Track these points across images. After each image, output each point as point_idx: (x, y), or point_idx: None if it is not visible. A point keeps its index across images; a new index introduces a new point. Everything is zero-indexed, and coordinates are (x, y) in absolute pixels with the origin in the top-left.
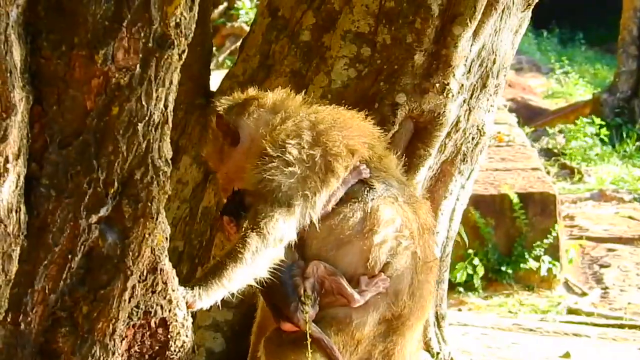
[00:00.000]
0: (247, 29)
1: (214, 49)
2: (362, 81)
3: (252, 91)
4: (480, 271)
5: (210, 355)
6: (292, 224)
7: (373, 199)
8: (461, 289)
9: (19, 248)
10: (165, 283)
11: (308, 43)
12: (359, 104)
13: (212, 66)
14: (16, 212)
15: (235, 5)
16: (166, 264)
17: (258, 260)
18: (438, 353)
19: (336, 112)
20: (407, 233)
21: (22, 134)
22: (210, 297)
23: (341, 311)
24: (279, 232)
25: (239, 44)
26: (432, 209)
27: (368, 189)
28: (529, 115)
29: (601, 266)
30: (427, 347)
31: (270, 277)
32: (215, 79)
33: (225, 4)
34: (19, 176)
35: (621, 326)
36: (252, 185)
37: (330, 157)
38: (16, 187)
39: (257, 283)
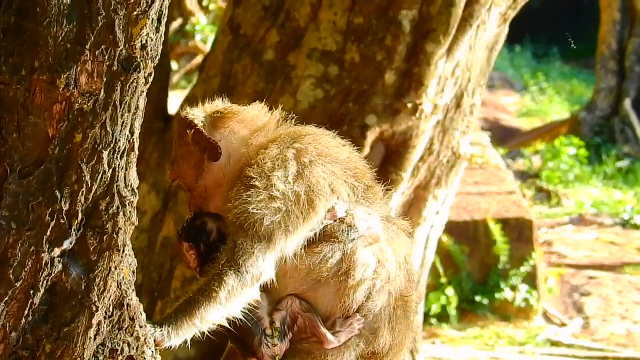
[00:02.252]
0: (203, 47)
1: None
2: (330, 102)
3: (221, 104)
4: (454, 301)
5: None
6: (271, 262)
7: (353, 239)
8: (434, 321)
9: None
10: (132, 319)
11: (272, 62)
12: (326, 126)
13: None
14: None
15: (191, 22)
16: (133, 299)
17: (233, 300)
18: None
19: (319, 140)
20: (384, 274)
21: None
22: (179, 335)
23: (316, 347)
24: (258, 270)
25: (194, 62)
26: None
27: (349, 228)
28: (502, 135)
29: (582, 294)
30: None
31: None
32: (171, 101)
33: (180, 20)
34: None
35: (604, 358)
36: (233, 215)
37: (314, 194)
38: None
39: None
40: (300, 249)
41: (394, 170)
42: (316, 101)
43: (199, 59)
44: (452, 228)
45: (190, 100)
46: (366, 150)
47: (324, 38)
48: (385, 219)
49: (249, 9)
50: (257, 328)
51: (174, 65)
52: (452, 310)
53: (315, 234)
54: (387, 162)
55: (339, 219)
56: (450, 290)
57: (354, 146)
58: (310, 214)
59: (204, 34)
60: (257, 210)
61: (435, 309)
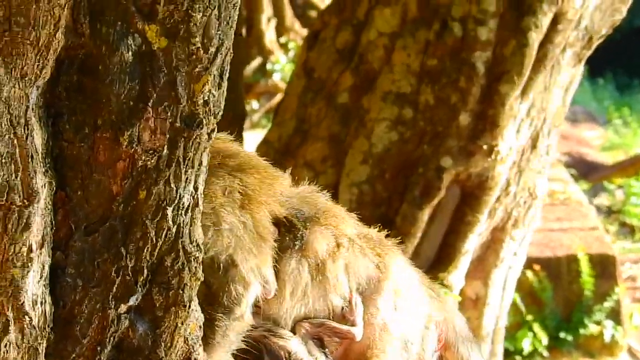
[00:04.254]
0: (283, 86)
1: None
2: (405, 144)
3: None
4: (542, 338)
5: None
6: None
7: (303, 238)
8: (518, 358)
9: (45, 341)
10: None
11: (346, 105)
12: (401, 169)
13: (246, 126)
14: (41, 303)
15: (270, 61)
16: (200, 354)
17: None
18: None
19: None
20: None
21: (46, 221)
22: None
23: (353, 350)
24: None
25: (274, 101)
26: (482, 278)
27: (292, 236)
28: (585, 170)
29: None
30: None
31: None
32: (251, 141)
33: (260, 59)
34: (43, 266)
35: None
36: None
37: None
38: (41, 278)
39: None
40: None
41: (470, 213)
42: (391, 144)
43: (279, 97)
44: (535, 265)
45: (266, 144)
46: (442, 192)
47: (398, 81)
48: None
49: (323, 52)
50: None
51: (254, 104)
52: (542, 348)
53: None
54: (463, 204)
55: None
56: (537, 328)
57: (429, 188)
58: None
59: (284, 72)
60: None
61: (530, 346)
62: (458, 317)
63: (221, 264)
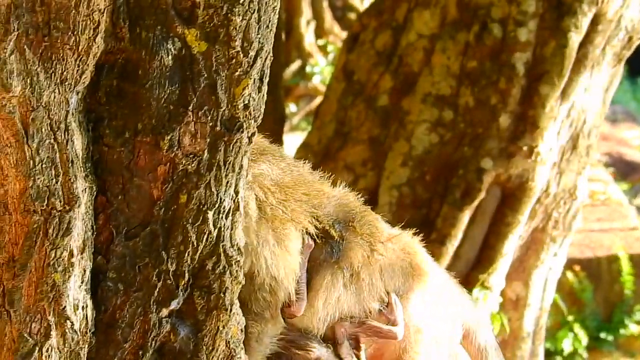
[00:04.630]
0: (323, 88)
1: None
2: (445, 146)
3: None
4: (583, 339)
5: None
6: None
7: (339, 249)
8: (558, 358)
9: (86, 346)
10: None
11: (386, 108)
12: (442, 171)
13: (285, 129)
14: (83, 308)
15: (310, 63)
16: (242, 357)
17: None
18: None
19: None
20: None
21: (87, 226)
22: None
23: (392, 349)
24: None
25: (314, 104)
26: (523, 279)
27: (329, 249)
28: (625, 170)
29: None
30: None
31: None
32: (290, 144)
33: (299, 62)
34: (84, 270)
35: None
36: None
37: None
38: (82, 282)
39: None
40: None
41: (511, 214)
42: (431, 146)
43: (318, 100)
44: (575, 265)
45: (306, 147)
46: (482, 194)
47: (437, 83)
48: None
49: (362, 54)
50: None
51: (293, 107)
52: (582, 349)
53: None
54: (504, 205)
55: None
56: (577, 328)
57: (470, 190)
58: None
59: (323, 75)
60: None
61: (570, 346)
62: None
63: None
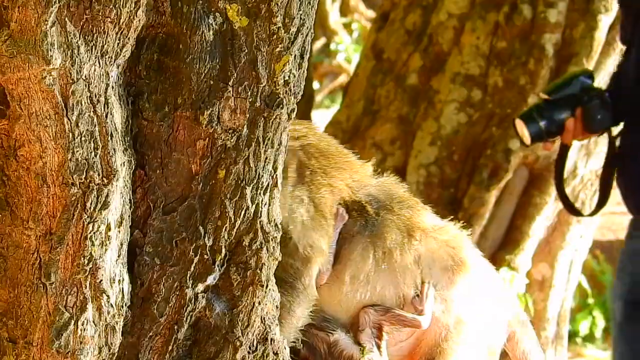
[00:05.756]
0: (347, 66)
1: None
2: (473, 126)
3: None
4: (601, 322)
5: None
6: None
7: (374, 225)
8: (578, 340)
9: (122, 319)
10: (276, 354)
11: (415, 87)
12: (470, 151)
13: None
14: (119, 282)
15: (334, 41)
16: (277, 334)
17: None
18: None
19: None
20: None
21: (124, 200)
22: None
23: (416, 338)
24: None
25: (338, 82)
26: (549, 260)
27: (363, 222)
28: None
29: None
30: None
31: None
32: (315, 121)
33: (324, 39)
34: (121, 244)
35: None
36: None
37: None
38: (119, 256)
39: None
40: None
41: (538, 194)
42: (459, 125)
43: (342, 78)
44: (597, 248)
45: (334, 125)
46: (510, 174)
47: (467, 62)
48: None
49: (392, 33)
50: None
51: (316, 84)
52: (599, 331)
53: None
54: (531, 186)
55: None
56: (596, 311)
57: (497, 170)
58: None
59: (347, 53)
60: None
61: (584, 329)
62: (521, 312)
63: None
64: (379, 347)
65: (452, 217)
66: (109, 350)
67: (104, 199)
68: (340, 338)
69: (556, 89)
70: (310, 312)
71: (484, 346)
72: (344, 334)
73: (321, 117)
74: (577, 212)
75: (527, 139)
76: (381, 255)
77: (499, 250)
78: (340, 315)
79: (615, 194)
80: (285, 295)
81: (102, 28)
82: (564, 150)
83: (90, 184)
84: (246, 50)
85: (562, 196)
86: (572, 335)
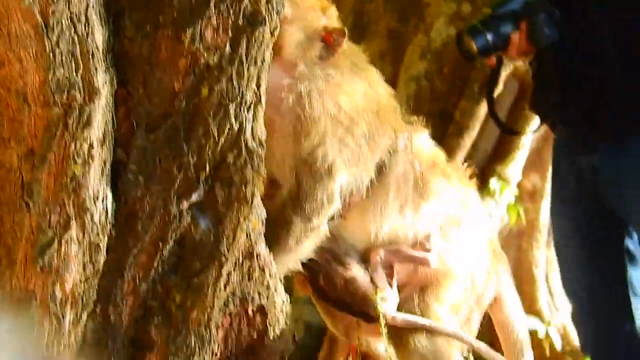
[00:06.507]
0: None
1: None
2: None
3: None
4: None
5: (309, 329)
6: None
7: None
8: None
9: (106, 237)
10: (262, 269)
11: (404, 1)
12: (459, 64)
13: None
14: (103, 200)
15: None
16: (263, 249)
17: (303, 245)
18: (549, 321)
19: None
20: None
21: (107, 118)
22: None
23: (424, 276)
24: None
25: None
26: (539, 171)
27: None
28: None
29: None
30: (539, 315)
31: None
32: None
33: None
34: (104, 163)
35: None
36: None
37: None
38: (102, 175)
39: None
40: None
41: (528, 106)
42: (449, 39)
43: None
44: None
45: None
46: (500, 87)
47: None
48: None
49: None
50: (367, 302)
51: None
52: None
53: None
54: (521, 97)
55: None
56: None
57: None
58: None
59: None
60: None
61: None
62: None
63: (320, 169)
64: (390, 285)
65: (443, 130)
66: (93, 268)
67: (86, 117)
68: (357, 275)
69: (500, 4)
70: (333, 242)
71: (474, 294)
72: (362, 270)
73: None
74: (506, 129)
75: (474, 51)
76: (419, 176)
77: (490, 162)
78: (359, 246)
79: None
80: (299, 225)
81: None
82: (499, 64)
83: (72, 103)
84: None
85: (492, 112)
86: None
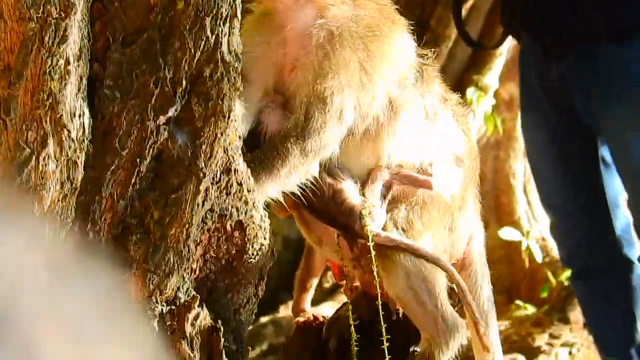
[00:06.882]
0: None
1: None
2: None
3: None
4: None
5: (287, 243)
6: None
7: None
8: None
9: (83, 154)
10: (240, 184)
11: None
12: None
13: None
14: (80, 116)
15: None
16: (240, 164)
17: (292, 177)
18: (528, 232)
19: None
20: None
21: (83, 33)
22: None
23: (426, 198)
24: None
25: None
26: (516, 79)
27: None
28: None
29: None
30: (517, 226)
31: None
32: None
33: None
34: (81, 78)
35: None
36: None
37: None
38: (78, 90)
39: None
40: None
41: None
42: None
43: None
44: None
45: None
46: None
47: None
48: None
49: None
50: (354, 216)
51: None
52: None
53: None
54: (498, 4)
55: None
56: None
57: None
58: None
59: None
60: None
61: None
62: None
63: (331, 111)
64: (381, 203)
65: (419, 39)
66: (71, 185)
67: (62, 32)
68: (347, 187)
69: None
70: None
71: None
72: (353, 184)
73: None
74: (475, 44)
75: None
76: (409, 122)
77: (467, 71)
78: (357, 168)
79: None
80: (296, 156)
81: None
82: None
83: (48, 18)
84: None
85: (460, 28)
86: None
